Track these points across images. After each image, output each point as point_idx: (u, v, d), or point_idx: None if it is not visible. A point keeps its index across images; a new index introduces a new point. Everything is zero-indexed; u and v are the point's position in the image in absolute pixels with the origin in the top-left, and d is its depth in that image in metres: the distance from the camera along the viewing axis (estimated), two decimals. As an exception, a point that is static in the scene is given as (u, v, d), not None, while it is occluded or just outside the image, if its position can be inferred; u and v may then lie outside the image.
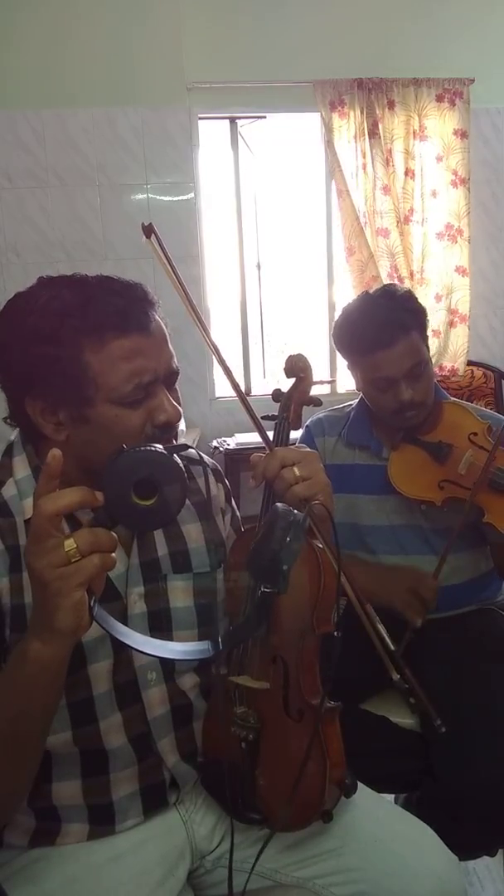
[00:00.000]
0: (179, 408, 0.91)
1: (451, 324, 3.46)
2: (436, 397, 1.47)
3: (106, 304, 0.84)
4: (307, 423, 1.61)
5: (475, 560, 1.51)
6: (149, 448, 0.74)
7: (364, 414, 1.55)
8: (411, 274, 3.38)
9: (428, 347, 1.45)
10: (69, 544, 0.68)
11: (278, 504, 0.77)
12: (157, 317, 0.90)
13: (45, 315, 0.84)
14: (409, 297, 1.45)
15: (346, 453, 1.55)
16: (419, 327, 1.42)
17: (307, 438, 1.60)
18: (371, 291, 1.50)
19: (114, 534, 0.72)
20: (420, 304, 1.46)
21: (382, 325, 1.38)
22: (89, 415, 0.85)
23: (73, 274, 0.89)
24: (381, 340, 1.37)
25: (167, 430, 0.88)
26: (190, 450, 1.09)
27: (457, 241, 3.42)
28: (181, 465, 0.75)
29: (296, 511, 0.75)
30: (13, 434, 0.95)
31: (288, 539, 0.73)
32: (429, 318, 1.48)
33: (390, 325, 1.38)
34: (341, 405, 1.64)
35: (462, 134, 3.35)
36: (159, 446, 0.75)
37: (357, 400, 1.58)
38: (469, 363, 3.43)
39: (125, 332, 0.84)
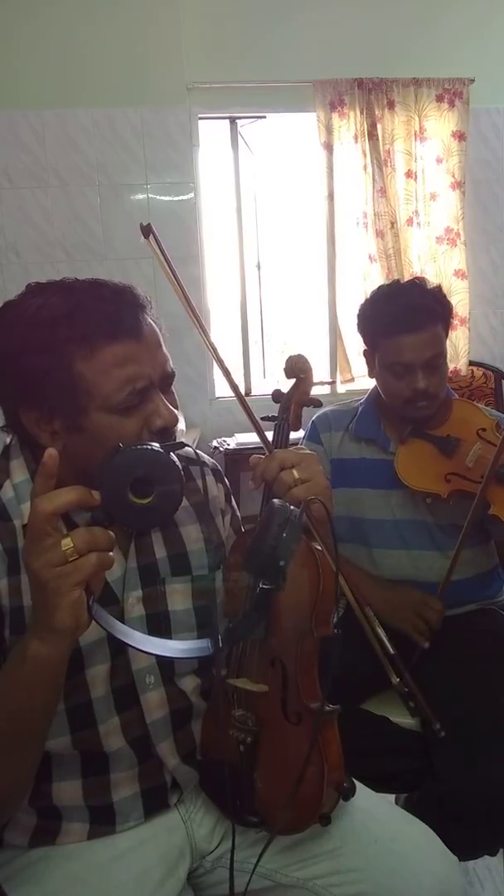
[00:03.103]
0: (176, 411, 0.90)
1: (451, 327, 3.45)
2: (446, 395, 1.49)
3: (95, 311, 0.83)
4: (312, 419, 1.62)
5: (477, 557, 1.51)
6: (146, 446, 0.74)
7: (373, 408, 1.56)
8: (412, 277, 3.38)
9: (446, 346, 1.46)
10: (66, 543, 0.68)
11: (275, 500, 0.77)
12: (150, 319, 0.89)
13: (34, 325, 0.83)
14: (440, 291, 1.48)
15: (352, 448, 1.55)
16: (444, 322, 1.45)
17: (313, 434, 1.60)
18: (402, 281, 1.53)
19: (111, 532, 0.72)
20: (448, 301, 1.48)
21: (413, 309, 1.40)
22: (84, 424, 0.84)
23: (63, 279, 0.88)
24: (408, 324, 1.39)
25: (164, 436, 0.87)
26: (189, 449, 1.08)
27: (456, 245, 3.41)
28: (178, 463, 0.75)
29: (292, 507, 0.75)
30: (9, 436, 0.95)
31: (284, 535, 0.73)
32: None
33: (420, 310, 1.40)
34: (348, 401, 1.64)
35: (460, 136, 3.34)
36: (156, 445, 0.75)
37: (365, 396, 1.59)
38: (469, 363, 3.43)
39: (116, 338, 0.83)
